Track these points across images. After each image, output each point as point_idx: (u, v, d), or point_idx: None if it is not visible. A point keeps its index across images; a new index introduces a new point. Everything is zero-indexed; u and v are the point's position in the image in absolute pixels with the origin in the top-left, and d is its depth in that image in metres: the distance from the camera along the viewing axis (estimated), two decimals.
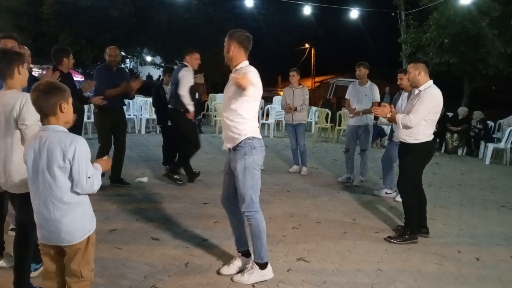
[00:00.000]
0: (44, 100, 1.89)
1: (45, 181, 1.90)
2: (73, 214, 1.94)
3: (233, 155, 2.80)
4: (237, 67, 2.79)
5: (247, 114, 2.76)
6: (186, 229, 3.78)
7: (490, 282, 3.06)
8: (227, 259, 3.17)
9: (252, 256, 2.92)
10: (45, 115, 1.93)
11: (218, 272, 2.94)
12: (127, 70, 22.54)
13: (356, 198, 5.16)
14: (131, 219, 3.96)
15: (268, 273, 2.88)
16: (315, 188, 5.58)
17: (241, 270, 2.92)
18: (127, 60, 23.01)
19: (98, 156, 4.90)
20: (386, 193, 5.28)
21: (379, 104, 4.67)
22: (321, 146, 9.92)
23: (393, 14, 14.94)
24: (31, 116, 2.28)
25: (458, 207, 5.06)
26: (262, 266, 2.86)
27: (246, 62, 2.84)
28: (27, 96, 2.30)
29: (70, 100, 1.99)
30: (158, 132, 9.87)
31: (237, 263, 2.97)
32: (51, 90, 1.91)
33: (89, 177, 1.93)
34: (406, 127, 3.57)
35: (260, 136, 2.85)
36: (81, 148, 1.90)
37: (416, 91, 3.63)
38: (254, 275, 2.83)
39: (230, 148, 2.82)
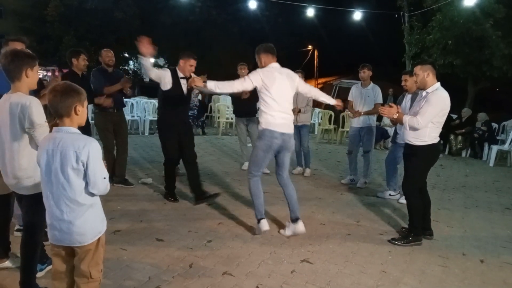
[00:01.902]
0: (60, 101, 1.91)
1: (59, 182, 1.91)
2: (85, 216, 1.96)
3: None
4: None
5: (264, 108, 3.69)
6: (190, 230, 3.79)
7: (495, 284, 3.05)
8: (231, 260, 3.18)
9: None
10: (60, 116, 1.95)
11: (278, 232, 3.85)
12: (130, 72, 22.68)
13: (360, 200, 5.15)
14: (135, 220, 3.98)
15: (261, 226, 3.71)
16: (319, 190, 5.58)
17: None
18: (131, 62, 23.10)
19: (103, 156, 4.94)
20: (390, 195, 5.27)
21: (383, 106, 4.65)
22: (324, 148, 9.92)
23: (396, 15, 14.91)
24: (38, 118, 2.30)
25: (462, 209, 5.04)
26: (257, 221, 3.73)
27: (272, 65, 3.76)
28: (31, 99, 2.32)
29: (86, 103, 2.01)
30: None
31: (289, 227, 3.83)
32: (68, 91, 1.93)
33: (104, 178, 1.96)
34: (413, 128, 3.56)
35: (273, 128, 3.66)
36: (94, 150, 1.92)
37: (424, 93, 3.60)
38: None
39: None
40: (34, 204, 2.33)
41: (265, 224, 3.73)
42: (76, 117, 1.97)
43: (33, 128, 2.31)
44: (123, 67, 20.49)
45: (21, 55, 2.43)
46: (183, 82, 4.48)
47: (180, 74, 4.47)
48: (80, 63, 4.52)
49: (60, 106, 1.92)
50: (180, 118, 4.62)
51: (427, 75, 3.56)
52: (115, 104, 5.01)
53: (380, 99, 5.64)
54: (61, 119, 1.95)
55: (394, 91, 13.84)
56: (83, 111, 2.00)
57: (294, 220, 3.78)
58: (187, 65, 4.44)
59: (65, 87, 1.95)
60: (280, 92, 3.66)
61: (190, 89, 4.54)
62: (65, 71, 4.24)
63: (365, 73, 5.63)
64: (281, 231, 3.83)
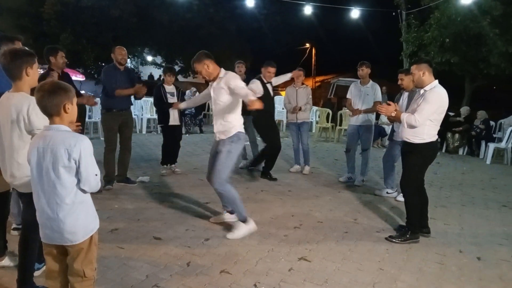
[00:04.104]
0: (49, 100, 1.90)
1: (49, 180, 1.90)
2: (76, 214, 1.95)
3: (222, 142, 3.62)
4: (220, 76, 3.61)
5: (237, 110, 3.66)
6: (187, 228, 3.79)
7: (492, 281, 3.06)
8: (229, 258, 3.18)
9: (228, 215, 3.92)
10: (49, 115, 1.94)
11: (210, 220, 3.92)
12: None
13: (358, 198, 5.16)
14: (133, 219, 3.97)
15: (251, 226, 3.68)
16: (317, 188, 5.59)
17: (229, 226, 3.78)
18: (128, 60, 23.00)
19: (104, 155, 4.94)
20: (387, 192, 5.27)
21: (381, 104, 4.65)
22: (322, 146, 9.93)
23: (394, 13, 14.92)
24: (40, 120, 2.28)
25: (459, 206, 5.05)
26: (244, 221, 3.67)
27: (223, 70, 3.66)
28: (33, 101, 2.31)
29: (75, 100, 2.00)
30: (159, 132, 9.89)
31: (224, 216, 3.97)
32: (55, 90, 1.92)
33: (96, 175, 1.96)
34: (411, 126, 3.56)
35: (242, 130, 3.70)
36: (86, 147, 1.91)
37: (422, 91, 3.61)
38: (242, 229, 3.63)
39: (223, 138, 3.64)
40: (31, 202, 2.32)
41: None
42: (66, 115, 1.95)
43: (33, 130, 2.30)
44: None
45: (20, 54, 2.41)
46: (269, 86, 5.63)
47: (265, 80, 5.59)
48: (58, 61, 4.30)
49: (49, 106, 1.91)
50: (272, 116, 5.89)
51: (423, 74, 3.58)
52: (123, 104, 5.00)
53: (379, 97, 5.64)
54: (51, 118, 1.94)
55: (387, 89, 13.79)
56: (73, 109, 1.98)
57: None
58: (266, 72, 5.55)
59: (52, 86, 1.93)
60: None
61: (273, 92, 5.79)
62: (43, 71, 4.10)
63: (364, 71, 5.62)
64: (212, 219, 3.98)
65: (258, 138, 6.39)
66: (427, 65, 3.62)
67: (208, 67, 3.59)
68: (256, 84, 5.53)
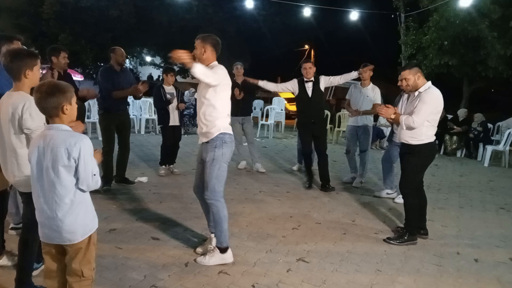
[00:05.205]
0: (46, 102, 1.90)
1: (49, 179, 1.90)
2: (75, 214, 1.95)
3: (205, 146, 3.08)
4: (211, 65, 3.10)
5: (221, 109, 3.06)
6: (186, 228, 3.79)
7: (489, 283, 3.07)
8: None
9: (214, 240, 3.16)
10: (49, 116, 1.95)
11: (195, 251, 3.26)
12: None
13: (356, 199, 5.17)
14: (131, 219, 3.97)
15: (227, 257, 3.11)
16: (315, 189, 5.59)
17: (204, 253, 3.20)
18: (127, 60, 22.98)
19: (102, 156, 4.93)
20: (387, 193, 5.29)
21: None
22: None
23: (392, 16, 14.95)
24: (35, 120, 2.28)
25: (457, 208, 5.07)
26: (223, 250, 3.09)
27: (216, 62, 3.16)
28: (31, 100, 2.31)
29: (74, 100, 2.00)
30: (158, 132, 9.89)
31: (211, 243, 3.22)
32: (53, 92, 1.92)
33: (94, 174, 1.96)
34: (410, 128, 3.59)
35: (231, 132, 3.14)
36: (86, 147, 1.91)
37: (416, 93, 3.65)
38: (215, 257, 3.08)
39: (204, 141, 3.11)
40: (30, 201, 2.32)
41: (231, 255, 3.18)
42: (65, 116, 1.96)
43: (30, 129, 2.31)
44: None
45: (21, 55, 2.41)
46: (308, 86, 5.41)
47: (305, 78, 5.42)
48: (60, 61, 4.29)
49: (47, 107, 1.92)
50: (310, 117, 5.42)
51: (417, 78, 3.63)
52: (120, 105, 4.99)
53: (379, 100, 5.66)
54: (51, 118, 1.95)
55: (384, 90, 13.75)
56: (72, 109, 1.99)
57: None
58: (303, 70, 5.45)
59: (50, 87, 1.93)
60: (227, 91, 3.17)
61: (315, 91, 5.39)
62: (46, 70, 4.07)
63: (367, 72, 5.64)
64: (198, 249, 3.30)
65: (257, 139, 6.39)
66: (418, 68, 3.68)
67: (205, 51, 3.09)
68: (291, 82, 5.53)
